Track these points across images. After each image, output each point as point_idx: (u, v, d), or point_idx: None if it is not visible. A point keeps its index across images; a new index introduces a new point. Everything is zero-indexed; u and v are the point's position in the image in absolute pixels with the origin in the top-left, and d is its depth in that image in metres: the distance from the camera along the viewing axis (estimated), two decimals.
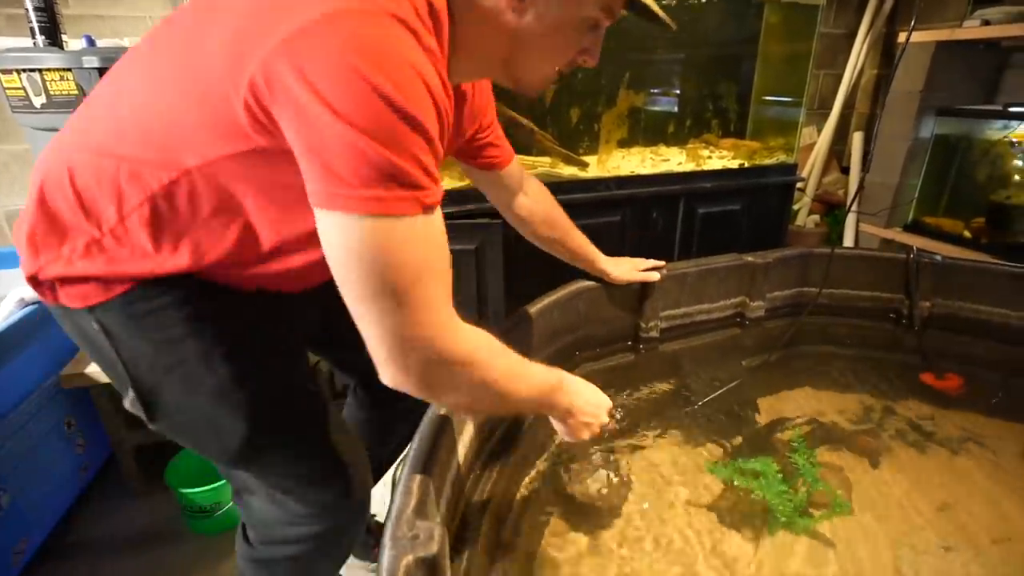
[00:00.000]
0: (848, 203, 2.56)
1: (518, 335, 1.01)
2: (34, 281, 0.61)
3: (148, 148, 0.54)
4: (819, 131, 2.77)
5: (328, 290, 0.57)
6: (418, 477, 0.62)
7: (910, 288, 1.40)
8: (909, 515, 1.07)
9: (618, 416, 0.86)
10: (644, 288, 1.28)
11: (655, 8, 0.67)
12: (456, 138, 0.82)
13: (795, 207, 2.65)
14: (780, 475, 1.12)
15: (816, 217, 2.63)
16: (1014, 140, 1.92)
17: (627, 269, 1.24)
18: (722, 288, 1.38)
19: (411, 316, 0.51)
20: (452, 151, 0.87)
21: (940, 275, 1.39)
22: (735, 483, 1.12)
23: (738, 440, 1.23)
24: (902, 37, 2.20)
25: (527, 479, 1.07)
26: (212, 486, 1.29)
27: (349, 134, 0.45)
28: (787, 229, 2.24)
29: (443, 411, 0.75)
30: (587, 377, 1.08)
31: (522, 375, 0.66)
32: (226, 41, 0.49)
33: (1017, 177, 1.95)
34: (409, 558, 0.53)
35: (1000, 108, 1.95)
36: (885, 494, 1.12)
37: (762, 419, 1.29)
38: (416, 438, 0.69)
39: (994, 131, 1.98)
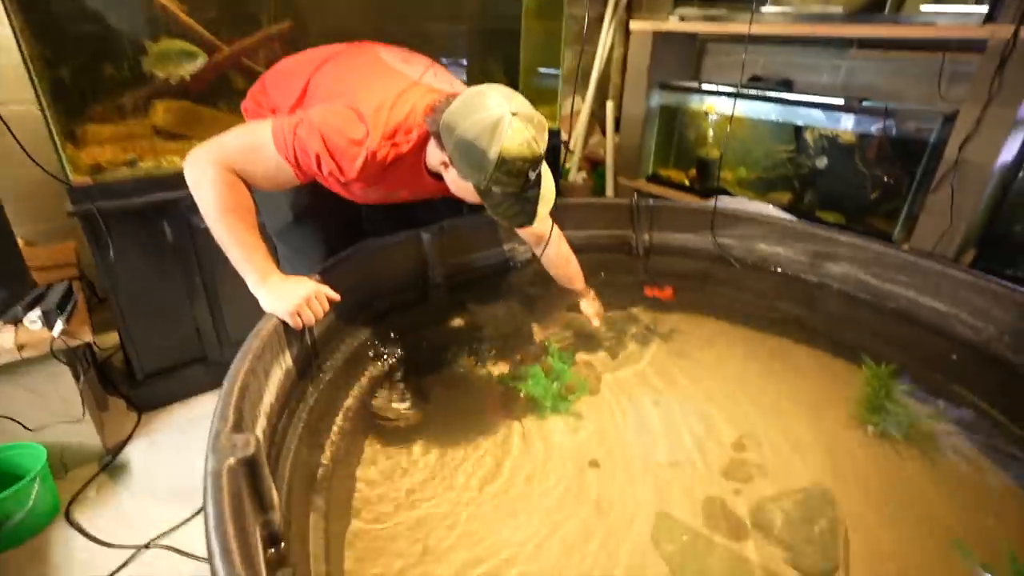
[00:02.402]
0: (605, 160, 3.07)
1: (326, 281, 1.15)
2: None
3: None
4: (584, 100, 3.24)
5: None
6: (232, 405, 0.74)
7: (635, 225, 1.84)
8: (639, 386, 1.49)
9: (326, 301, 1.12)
10: (426, 244, 1.49)
11: (504, 223, 1.17)
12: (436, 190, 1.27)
13: (568, 166, 3.10)
14: (543, 375, 1.45)
15: (584, 173, 3.11)
16: (707, 111, 2.52)
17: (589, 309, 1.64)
18: (493, 239, 1.66)
19: (234, 150, 1.06)
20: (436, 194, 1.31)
21: (653, 215, 1.84)
22: (513, 386, 1.43)
23: (519, 356, 1.54)
24: (631, 25, 2.70)
25: (343, 405, 1.25)
26: None
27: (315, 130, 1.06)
28: (559, 184, 2.64)
29: (251, 357, 0.87)
30: (382, 323, 1.28)
31: (242, 241, 1.04)
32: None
33: (710, 138, 2.58)
34: (231, 460, 0.66)
35: (696, 85, 2.54)
36: (619, 377, 1.53)
37: (537, 338, 1.63)
38: (227, 378, 0.81)
39: (695, 103, 2.57)
